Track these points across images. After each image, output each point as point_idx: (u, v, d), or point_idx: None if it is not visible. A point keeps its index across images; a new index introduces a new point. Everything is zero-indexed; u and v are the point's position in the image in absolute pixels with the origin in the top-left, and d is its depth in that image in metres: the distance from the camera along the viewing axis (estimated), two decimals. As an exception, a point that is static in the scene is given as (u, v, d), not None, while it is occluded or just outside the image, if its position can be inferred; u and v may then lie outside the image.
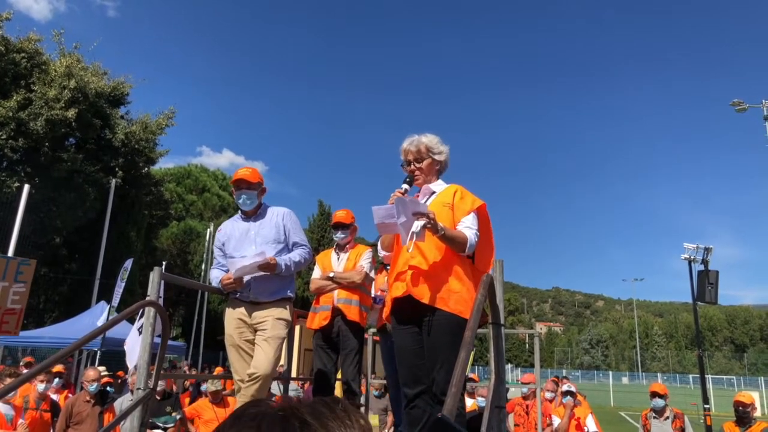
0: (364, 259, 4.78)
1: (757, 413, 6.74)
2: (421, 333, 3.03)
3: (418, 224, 2.86)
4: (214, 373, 12.98)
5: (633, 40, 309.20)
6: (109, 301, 11.83)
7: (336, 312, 4.64)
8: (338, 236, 4.94)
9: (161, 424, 6.54)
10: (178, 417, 6.87)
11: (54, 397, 7.10)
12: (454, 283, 2.98)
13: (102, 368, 9.13)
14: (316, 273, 4.92)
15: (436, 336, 2.95)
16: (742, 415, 5.93)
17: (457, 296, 2.95)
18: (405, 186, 3.23)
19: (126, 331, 11.52)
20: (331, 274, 4.74)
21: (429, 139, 3.29)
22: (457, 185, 3.28)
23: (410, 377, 3.07)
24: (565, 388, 7.51)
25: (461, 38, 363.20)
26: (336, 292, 4.69)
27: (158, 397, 6.81)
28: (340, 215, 4.99)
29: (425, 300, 2.96)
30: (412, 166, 3.28)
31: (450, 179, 3.39)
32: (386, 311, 3.24)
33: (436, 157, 3.29)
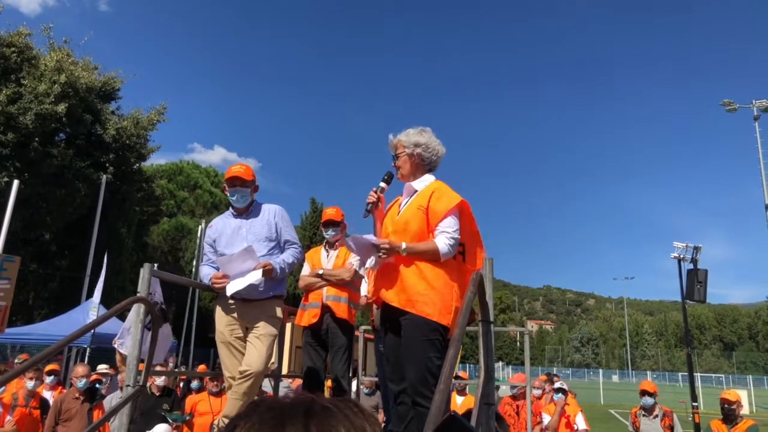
0: (354, 256, 4.77)
1: (745, 411, 6.82)
2: (399, 332, 3.06)
3: (372, 258, 3.03)
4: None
5: (626, 42, 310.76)
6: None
7: (325, 309, 4.64)
8: (329, 234, 4.95)
9: (171, 420, 6.52)
10: (187, 418, 6.86)
11: (49, 394, 7.06)
12: (420, 285, 2.97)
13: (104, 366, 9.09)
14: (306, 270, 4.92)
15: (405, 337, 2.98)
16: (728, 412, 6.00)
17: (425, 298, 2.94)
18: (382, 184, 3.24)
19: (116, 327, 11.49)
20: (321, 272, 4.75)
21: (405, 134, 3.27)
22: (436, 184, 3.22)
23: (395, 373, 3.11)
24: (557, 385, 7.55)
25: (457, 39, 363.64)
26: (325, 289, 4.69)
27: (157, 394, 6.79)
28: (330, 213, 5.00)
29: (395, 303, 2.99)
30: (394, 162, 3.32)
31: (446, 178, 3.35)
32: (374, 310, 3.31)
33: (408, 151, 3.24)
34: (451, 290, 3.01)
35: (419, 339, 2.91)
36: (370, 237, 3.03)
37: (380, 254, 2.96)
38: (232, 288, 3.79)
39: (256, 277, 3.76)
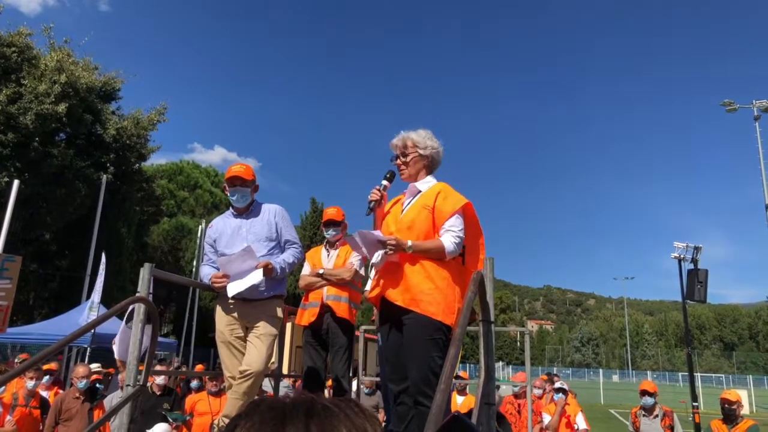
0: (354, 256, 4.76)
1: (745, 411, 6.81)
2: (400, 332, 3.05)
3: (379, 253, 2.98)
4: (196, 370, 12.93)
5: (626, 41, 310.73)
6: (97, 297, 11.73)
7: (325, 309, 4.64)
8: (329, 233, 4.95)
9: (171, 419, 6.51)
10: (187, 418, 6.85)
11: (45, 393, 7.07)
12: (425, 284, 2.97)
13: (96, 365, 9.08)
14: (306, 270, 4.92)
15: (408, 336, 2.97)
16: (728, 412, 5.98)
17: (429, 297, 2.94)
18: (385, 182, 3.23)
19: (116, 327, 11.49)
20: (321, 271, 4.74)
21: (417, 134, 3.27)
22: (441, 184, 3.24)
23: (395, 374, 3.09)
24: (557, 385, 7.54)
25: (458, 39, 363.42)
26: (325, 289, 4.69)
27: (158, 393, 6.78)
28: (331, 212, 5.00)
29: (398, 302, 2.98)
30: (399, 160, 3.28)
31: (443, 175, 3.37)
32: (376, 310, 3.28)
33: (421, 152, 3.25)
34: (453, 290, 3.02)
35: (423, 338, 2.90)
36: (378, 233, 3.02)
37: (387, 251, 2.94)
38: (233, 289, 3.79)
39: (257, 277, 3.75)
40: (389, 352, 3.12)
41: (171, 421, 6.44)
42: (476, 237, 3.21)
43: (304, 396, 0.68)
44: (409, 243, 2.95)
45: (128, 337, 7.09)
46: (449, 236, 3.02)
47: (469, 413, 6.15)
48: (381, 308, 3.17)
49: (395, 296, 3.00)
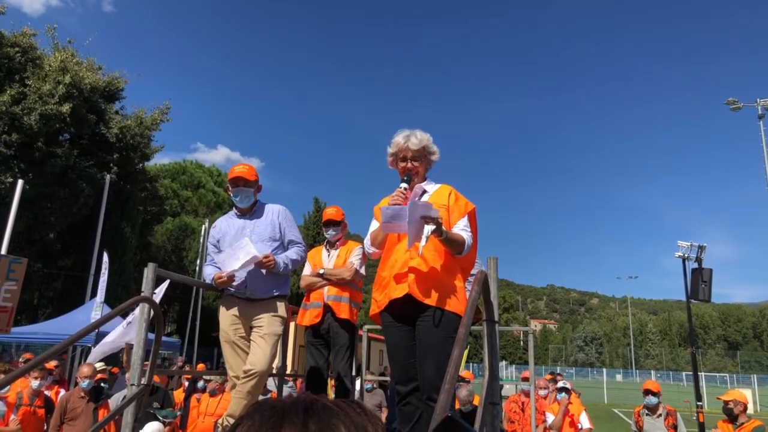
0: (355, 255, 4.78)
1: (749, 411, 6.76)
2: (413, 331, 3.04)
3: (428, 229, 2.79)
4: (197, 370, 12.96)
5: (629, 39, 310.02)
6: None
7: (326, 309, 4.65)
8: (329, 233, 4.96)
9: (161, 417, 6.51)
10: (178, 414, 6.85)
11: (46, 393, 7.09)
12: (453, 283, 3.03)
13: (100, 364, 9.11)
14: (307, 270, 4.93)
15: (436, 333, 2.95)
16: (727, 411, 5.97)
17: (458, 295, 3.02)
18: (404, 185, 3.20)
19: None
20: (322, 271, 4.75)
21: (428, 138, 3.27)
22: (449, 186, 3.29)
23: (404, 375, 3.09)
24: (560, 384, 7.54)
25: (459, 39, 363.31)
26: (326, 289, 4.70)
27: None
28: (330, 212, 5.01)
29: (429, 301, 2.96)
30: (410, 164, 3.23)
31: (448, 173, 3.38)
32: (375, 310, 3.22)
33: (432, 157, 3.30)
34: (465, 287, 3.12)
35: (447, 336, 2.91)
36: (432, 208, 2.84)
37: (434, 229, 2.80)
38: (240, 275, 3.80)
39: (252, 250, 3.75)
40: (398, 354, 3.11)
41: (162, 419, 6.45)
42: (475, 241, 3.25)
43: (306, 396, 0.69)
44: (444, 228, 2.90)
45: (117, 336, 7.03)
46: (466, 234, 3.08)
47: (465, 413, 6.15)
48: (396, 308, 3.09)
49: (423, 295, 2.97)
